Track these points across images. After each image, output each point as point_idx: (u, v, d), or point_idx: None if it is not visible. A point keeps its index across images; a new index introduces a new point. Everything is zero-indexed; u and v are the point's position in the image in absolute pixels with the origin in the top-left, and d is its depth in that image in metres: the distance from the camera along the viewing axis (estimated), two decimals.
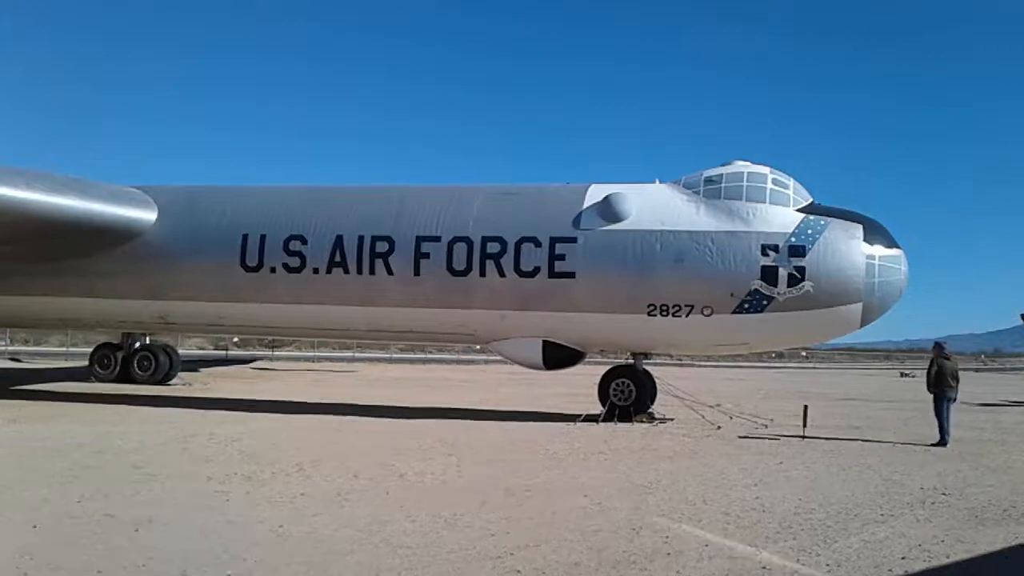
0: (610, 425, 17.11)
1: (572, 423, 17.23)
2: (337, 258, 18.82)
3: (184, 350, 50.08)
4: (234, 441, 13.36)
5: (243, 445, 12.93)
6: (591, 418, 17.65)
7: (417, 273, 18.44)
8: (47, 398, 20.37)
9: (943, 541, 7.87)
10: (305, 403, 20.89)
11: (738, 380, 39.91)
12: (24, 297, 20.81)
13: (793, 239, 17.05)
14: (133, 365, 26.62)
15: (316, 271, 18.92)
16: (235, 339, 48.79)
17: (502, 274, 17.98)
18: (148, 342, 27.58)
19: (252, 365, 41.96)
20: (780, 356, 71.88)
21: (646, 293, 17.32)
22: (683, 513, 8.79)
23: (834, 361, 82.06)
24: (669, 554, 7.09)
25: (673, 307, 17.19)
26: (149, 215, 20.08)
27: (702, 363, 55.07)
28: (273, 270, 19.15)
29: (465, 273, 18.18)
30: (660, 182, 18.96)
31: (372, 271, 18.65)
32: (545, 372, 19.06)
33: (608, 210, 17.95)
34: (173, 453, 12.11)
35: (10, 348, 44.91)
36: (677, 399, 19.51)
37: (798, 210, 17.46)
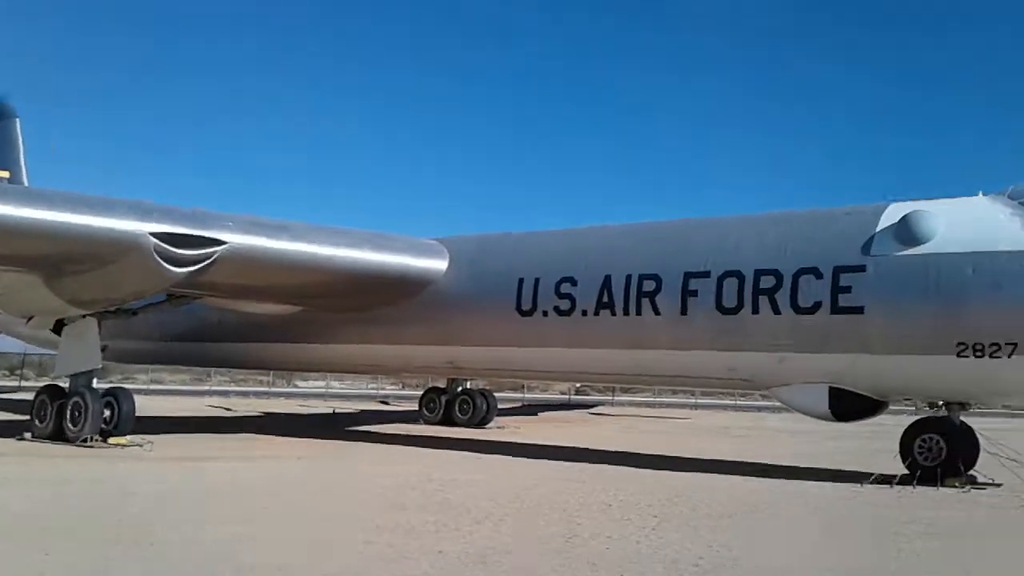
0: (905, 489, 14.13)
1: (859, 484, 14.55)
2: (604, 299, 18.20)
3: (533, 394, 52.61)
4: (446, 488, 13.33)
5: (451, 494, 12.80)
6: (884, 479, 14.75)
7: (684, 313, 17.11)
8: (361, 438, 22.32)
9: None
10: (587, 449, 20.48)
11: None
12: (337, 345, 22.92)
13: None
14: (455, 409, 28.40)
15: (584, 313, 18.47)
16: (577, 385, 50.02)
17: (777, 311, 15.98)
18: (468, 387, 29.16)
19: (593, 410, 42.37)
20: None
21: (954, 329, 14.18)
22: None
23: None
24: None
25: (991, 346, 13.81)
26: (441, 264, 21.20)
27: None
28: (545, 314, 19.10)
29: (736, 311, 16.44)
30: (984, 195, 15.63)
31: (639, 312, 17.72)
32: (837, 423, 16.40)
33: (906, 231, 15.10)
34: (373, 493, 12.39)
35: (382, 392, 50.26)
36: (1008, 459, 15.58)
37: None
